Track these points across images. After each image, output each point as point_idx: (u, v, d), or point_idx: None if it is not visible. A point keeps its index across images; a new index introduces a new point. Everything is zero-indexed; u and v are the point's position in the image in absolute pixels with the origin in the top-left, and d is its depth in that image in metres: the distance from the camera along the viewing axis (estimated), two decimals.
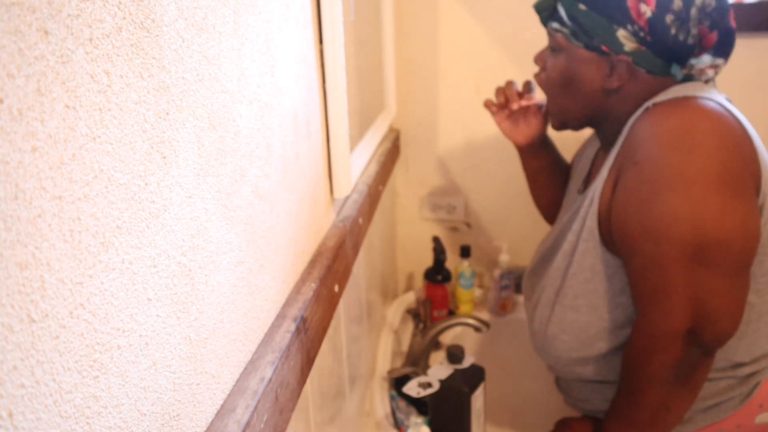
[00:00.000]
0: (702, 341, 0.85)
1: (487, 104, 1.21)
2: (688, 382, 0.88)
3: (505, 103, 1.18)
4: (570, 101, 1.00)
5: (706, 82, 0.94)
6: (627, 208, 0.87)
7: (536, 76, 1.06)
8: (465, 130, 1.56)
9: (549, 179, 1.23)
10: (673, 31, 0.90)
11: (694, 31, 0.91)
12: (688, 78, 0.94)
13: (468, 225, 1.65)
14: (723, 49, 0.93)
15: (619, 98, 0.96)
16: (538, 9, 0.99)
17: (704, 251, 0.81)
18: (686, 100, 0.87)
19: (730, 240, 0.80)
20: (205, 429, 0.46)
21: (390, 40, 1.39)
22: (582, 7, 0.93)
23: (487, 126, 1.55)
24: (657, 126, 0.86)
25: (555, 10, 0.97)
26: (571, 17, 0.94)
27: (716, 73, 0.94)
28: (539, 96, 1.17)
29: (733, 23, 0.93)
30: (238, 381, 0.52)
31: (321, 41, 0.79)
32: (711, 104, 0.86)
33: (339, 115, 0.82)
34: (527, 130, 1.19)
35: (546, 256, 1.08)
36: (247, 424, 0.47)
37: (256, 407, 0.49)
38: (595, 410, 1.05)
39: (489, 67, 1.50)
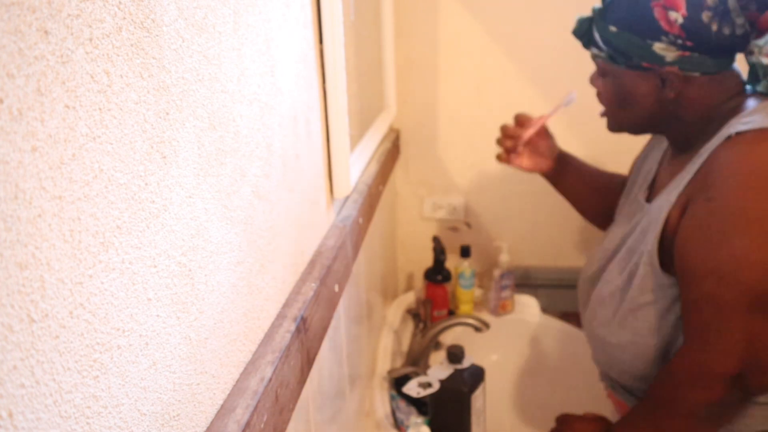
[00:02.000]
0: (747, 387, 0.83)
1: (501, 159, 1.23)
2: (717, 420, 0.87)
3: (513, 146, 1.20)
4: (631, 116, 0.98)
5: None
6: (693, 243, 0.83)
7: (598, 96, 1.04)
8: (465, 130, 1.56)
9: (589, 191, 1.22)
10: (714, 27, 0.86)
11: (739, 20, 0.86)
12: (756, 69, 0.88)
13: (468, 225, 1.65)
14: None
15: (682, 105, 0.92)
16: (577, 35, 0.99)
17: (765, 300, 0.78)
18: None
19: None
20: (205, 429, 0.46)
21: (390, 40, 1.39)
22: (612, 29, 0.92)
23: (487, 126, 1.55)
24: (737, 163, 0.81)
25: (592, 35, 0.96)
26: (605, 41, 0.93)
27: None
28: (535, 121, 1.19)
29: None
30: (238, 381, 0.52)
31: (321, 41, 0.79)
32: None
33: (339, 115, 0.82)
34: (544, 154, 1.20)
35: (603, 266, 1.05)
36: (247, 424, 0.47)
37: (256, 407, 0.49)
38: None
39: (489, 67, 1.50)
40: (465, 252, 1.52)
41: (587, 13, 1.43)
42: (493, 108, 1.53)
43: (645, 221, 0.94)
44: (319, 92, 0.79)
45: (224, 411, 0.48)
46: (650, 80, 0.92)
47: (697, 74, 0.90)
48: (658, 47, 0.89)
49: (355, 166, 0.97)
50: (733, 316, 0.80)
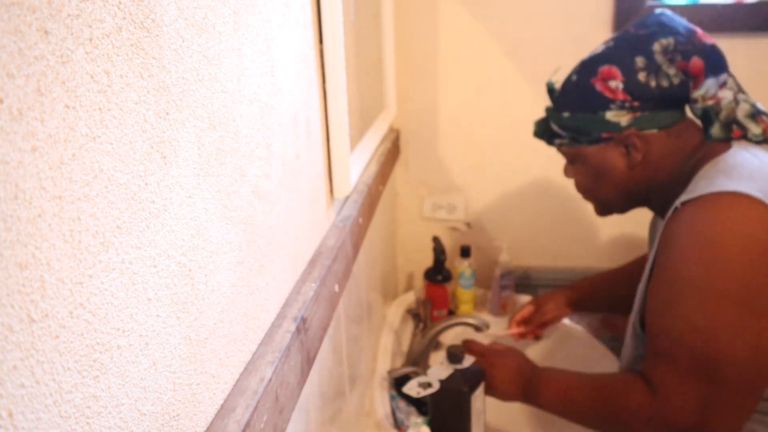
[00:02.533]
0: None
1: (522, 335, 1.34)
2: None
3: (534, 329, 1.32)
4: (608, 192, 1.03)
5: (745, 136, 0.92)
6: (651, 304, 0.90)
7: (576, 186, 1.09)
8: (465, 130, 1.56)
9: (617, 298, 1.26)
10: (653, 83, 0.92)
11: (671, 71, 0.92)
12: (707, 115, 0.92)
13: (468, 225, 1.65)
14: (716, 66, 0.92)
15: (651, 165, 0.97)
16: (538, 136, 1.07)
17: (713, 365, 0.80)
18: (714, 200, 0.84)
19: (738, 359, 0.79)
20: (205, 429, 0.46)
21: (390, 40, 1.39)
22: (566, 114, 1.00)
23: (487, 126, 1.55)
24: (680, 234, 0.85)
25: (551, 131, 1.03)
26: (563, 128, 1.00)
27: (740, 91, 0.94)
28: (536, 313, 1.31)
29: (707, 39, 0.92)
30: (238, 381, 0.52)
31: (321, 41, 0.79)
32: (741, 204, 0.81)
33: (339, 115, 0.82)
34: (560, 314, 1.32)
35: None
36: (247, 424, 0.47)
37: (256, 407, 0.49)
38: None
39: (489, 67, 1.50)
40: (465, 252, 1.52)
41: (586, 11, 1.44)
42: (492, 108, 1.53)
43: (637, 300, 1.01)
44: (319, 92, 0.79)
45: (224, 411, 0.48)
46: (615, 149, 0.97)
47: (654, 131, 0.95)
48: (610, 115, 0.95)
49: (355, 166, 0.97)
50: (687, 383, 0.83)
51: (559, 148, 1.04)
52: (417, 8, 1.48)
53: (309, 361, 0.66)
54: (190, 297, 0.43)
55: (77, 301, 0.31)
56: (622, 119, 0.94)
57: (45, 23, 0.28)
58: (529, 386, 1.02)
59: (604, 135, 0.96)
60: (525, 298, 1.57)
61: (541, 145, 1.54)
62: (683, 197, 0.88)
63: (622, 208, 1.06)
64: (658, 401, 0.85)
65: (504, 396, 1.07)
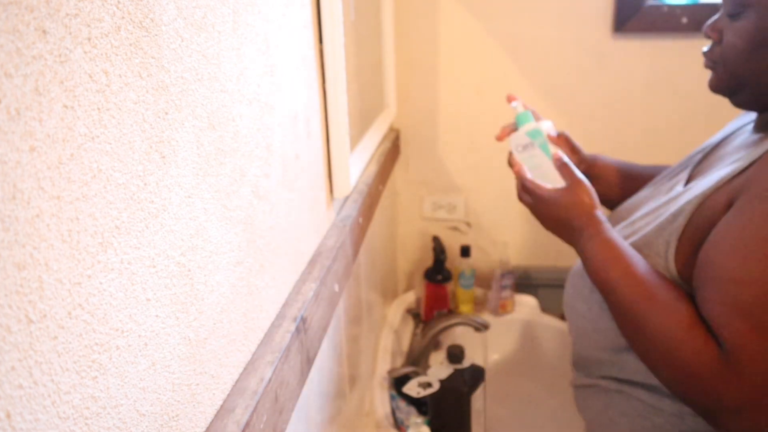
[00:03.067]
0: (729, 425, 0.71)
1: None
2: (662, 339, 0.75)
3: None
4: (759, 71, 0.79)
5: None
6: (735, 243, 0.71)
7: (707, 53, 0.86)
8: (465, 130, 1.56)
9: (621, 179, 1.09)
10: None
11: None
12: None
13: (468, 225, 1.65)
14: None
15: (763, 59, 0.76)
16: None
17: None
18: None
19: None
20: (204, 429, 0.46)
21: (390, 40, 1.39)
22: None
23: (487, 126, 1.55)
24: None
25: None
26: None
27: None
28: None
29: None
30: (237, 381, 0.52)
31: (321, 41, 0.79)
32: None
33: (339, 115, 0.82)
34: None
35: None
36: (247, 424, 0.47)
37: (255, 407, 0.49)
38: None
39: (489, 67, 1.50)
40: (465, 252, 1.52)
41: (586, 11, 1.43)
42: (493, 108, 1.53)
43: (671, 210, 0.83)
44: (319, 92, 0.79)
45: (224, 411, 0.48)
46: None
47: None
48: None
49: (355, 165, 0.96)
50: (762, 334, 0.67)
51: None
52: (417, 8, 1.48)
53: (309, 361, 0.66)
54: (189, 297, 0.43)
55: (76, 302, 0.30)
56: None
57: (43, 22, 0.28)
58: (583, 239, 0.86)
59: None
60: (525, 298, 1.57)
61: None
62: None
63: (751, 95, 0.82)
64: (727, 363, 0.69)
65: (555, 231, 0.92)
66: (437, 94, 1.54)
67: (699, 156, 0.92)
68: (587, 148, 1.51)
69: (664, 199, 0.87)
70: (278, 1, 0.62)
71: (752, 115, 0.89)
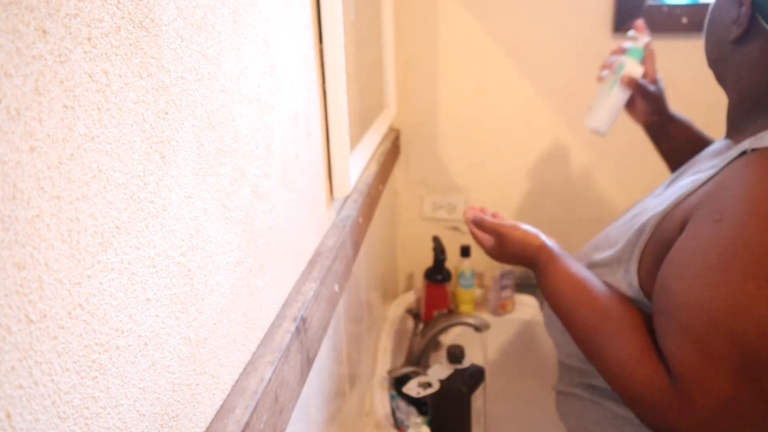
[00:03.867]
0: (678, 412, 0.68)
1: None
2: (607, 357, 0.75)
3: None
4: (707, 48, 0.83)
5: None
6: (688, 269, 0.69)
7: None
8: (465, 129, 1.56)
9: (685, 144, 1.07)
10: None
11: None
12: None
13: None
14: None
15: (743, 57, 0.76)
16: None
17: (757, 357, 0.63)
18: None
19: None
20: (204, 429, 0.46)
21: (390, 40, 1.39)
22: None
23: (488, 125, 1.55)
24: (752, 187, 0.67)
25: None
26: None
27: None
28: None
29: None
30: (237, 381, 0.52)
31: (321, 41, 0.79)
32: None
33: (339, 115, 0.82)
34: (639, 108, 1.08)
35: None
36: (247, 424, 0.47)
37: (255, 407, 0.49)
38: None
39: (489, 67, 1.50)
40: (465, 252, 1.52)
41: (586, 11, 1.43)
42: (493, 108, 1.53)
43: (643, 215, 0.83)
44: (319, 92, 0.79)
45: (224, 411, 0.48)
46: (731, 9, 0.77)
47: (765, 23, 0.72)
48: None
49: (355, 165, 0.96)
50: (719, 372, 0.64)
51: None
52: (417, 8, 1.48)
53: (309, 361, 0.66)
54: (189, 297, 0.43)
55: (76, 302, 0.30)
56: None
57: (43, 22, 0.28)
58: (537, 260, 0.88)
59: None
60: (525, 298, 1.57)
61: (541, 144, 1.55)
62: (756, 143, 0.70)
63: (715, 71, 0.84)
64: (677, 393, 0.67)
65: (509, 260, 0.93)
66: (437, 94, 1.54)
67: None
68: (588, 147, 1.51)
69: (637, 209, 0.88)
70: (278, 1, 0.62)
71: None
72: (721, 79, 0.83)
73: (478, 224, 0.95)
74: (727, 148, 0.80)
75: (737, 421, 0.65)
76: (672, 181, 0.92)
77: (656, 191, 0.96)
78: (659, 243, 0.76)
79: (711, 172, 0.75)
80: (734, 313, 0.64)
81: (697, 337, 0.66)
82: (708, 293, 0.66)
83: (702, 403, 0.65)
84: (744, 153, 0.71)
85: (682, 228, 0.73)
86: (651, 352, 0.72)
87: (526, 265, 0.91)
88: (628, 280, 0.80)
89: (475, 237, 0.97)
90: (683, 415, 0.67)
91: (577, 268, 0.85)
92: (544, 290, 0.87)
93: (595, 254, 0.90)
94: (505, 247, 0.92)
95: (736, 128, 0.81)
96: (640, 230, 0.80)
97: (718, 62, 0.82)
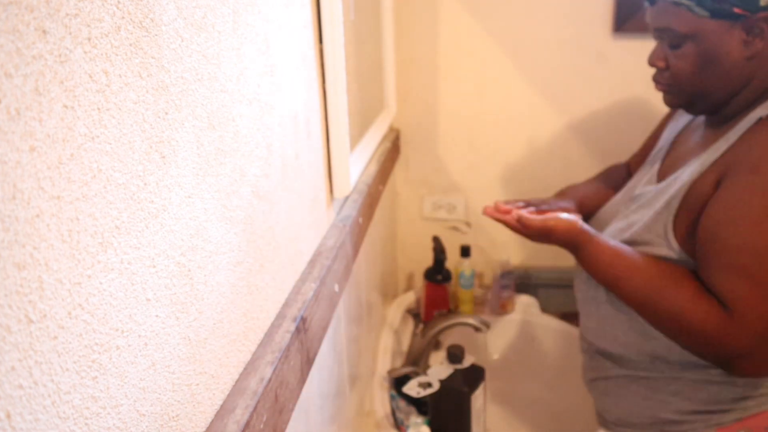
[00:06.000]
0: (734, 368, 0.83)
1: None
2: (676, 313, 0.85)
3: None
4: (708, 84, 0.89)
5: None
6: (731, 213, 0.81)
7: (656, 78, 0.96)
8: (465, 130, 1.56)
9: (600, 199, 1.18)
10: None
11: None
12: None
13: (468, 225, 1.65)
14: None
15: (759, 64, 0.86)
16: None
17: None
18: None
19: None
20: (204, 429, 0.46)
21: (390, 40, 1.39)
22: None
23: (487, 125, 1.55)
24: None
25: None
26: None
27: None
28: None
29: None
30: (237, 381, 0.52)
31: (321, 41, 0.79)
32: None
33: (339, 115, 0.82)
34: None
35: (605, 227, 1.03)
36: (247, 424, 0.47)
37: (255, 407, 0.49)
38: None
39: (489, 67, 1.50)
40: (465, 252, 1.52)
41: (586, 11, 1.43)
42: (493, 108, 1.53)
43: (662, 197, 0.92)
44: (319, 92, 0.79)
45: (224, 411, 0.48)
46: (735, 33, 0.84)
47: None
48: None
49: (355, 165, 0.96)
50: (766, 296, 0.78)
51: (667, 27, 0.89)
52: (417, 8, 1.48)
53: (309, 361, 0.66)
54: (189, 297, 0.43)
55: (76, 302, 0.30)
56: None
57: (43, 22, 0.28)
58: (581, 245, 0.95)
59: (737, 10, 0.82)
60: (525, 298, 1.57)
61: (541, 144, 1.55)
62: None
63: (708, 103, 0.93)
64: (731, 317, 0.80)
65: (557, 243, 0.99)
66: (437, 94, 1.54)
67: (662, 153, 1.04)
68: (588, 147, 1.51)
69: (653, 192, 0.97)
70: (278, 1, 0.62)
71: (687, 115, 1.04)
72: (715, 98, 0.91)
73: (525, 224, 0.99)
74: (726, 128, 0.90)
75: None
76: (656, 161, 1.03)
77: (618, 196, 1.06)
78: (692, 208, 0.87)
79: (732, 139, 0.86)
80: None
81: (746, 270, 0.79)
82: (753, 232, 0.79)
83: (755, 326, 0.79)
84: (759, 120, 0.83)
85: (716, 185, 0.84)
86: (703, 293, 0.84)
87: (570, 248, 0.97)
88: (668, 245, 0.90)
89: (518, 232, 1.01)
90: (740, 339, 0.80)
91: (615, 242, 0.94)
92: (589, 268, 0.95)
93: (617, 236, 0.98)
94: (552, 237, 0.97)
95: (725, 114, 0.92)
96: (669, 201, 0.90)
97: (735, 87, 0.89)
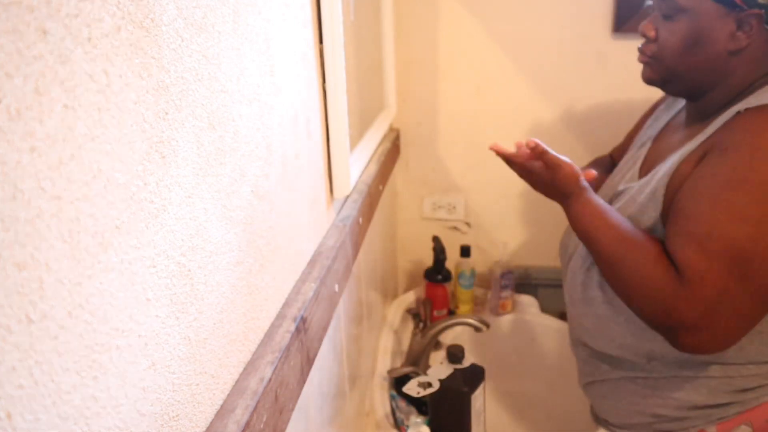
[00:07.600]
0: (677, 338, 0.84)
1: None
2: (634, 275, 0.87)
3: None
4: (688, 66, 0.92)
5: None
6: (697, 183, 0.85)
7: (642, 48, 0.97)
8: (465, 129, 1.56)
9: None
10: None
11: None
12: None
13: (468, 225, 1.65)
14: None
15: (740, 62, 0.89)
16: None
17: (747, 262, 0.79)
18: None
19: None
20: (204, 429, 0.46)
21: (390, 40, 1.39)
22: None
23: (487, 126, 1.55)
24: (751, 135, 0.82)
25: None
26: None
27: None
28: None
29: None
30: (237, 381, 0.52)
31: (321, 41, 0.79)
32: None
33: (339, 115, 0.82)
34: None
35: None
36: (247, 424, 0.47)
37: (255, 407, 0.49)
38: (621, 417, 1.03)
39: (489, 67, 1.50)
40: (465, 252, 1.52)
41: (586, 11, 1.43)
42: (493, 108, 1.53)
43: (648, 184, 0.94)
44: (319, 92, 0.79)
45: (224, 411, 0.48)
46: (727, 24, 0.86)
47: None
48: None
49: (355, 165, 0.96)
50: (713, 267, 0.79)
51: None
52: (417, 8, 1.48)
53: (309, 361, 0.66)
54: (189, 297, 0.43)
55: (76, 302, 0.30)
56: None
57: (43, 23, 0.28)
58: (569, 199, 0.97)
59: (737, 0, 0.84)
60: (525, 298, 1.57)
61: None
62: (751, 102, 0.85)
63: (681, 88, 0.96)
64: (681, 283, 0.82)
65: (546, 194, 1.02)
66: (437, 94, 1.54)
67: (644, 151, 1.06)
68: (588, 147, 1.51)
69: (635, 188, 0.99)
70: (278, 1, 0.62)
71: (671, 112, 1.07)
72: (698, 90, 0.94)
73: (539, 152, 0.98)
74: (706, 123, 0.93)
75: (729, 313, 0.80)
76: (638, 158, 1.06)
77: (624, 175, 1.07)
78: (675, 190, 0.89)
79: (708, 134, 0.89)
80: (729, 221, 0.80)
81: (698, 239, 0.82)
82: (709, 203, 0.82)
83: (701, 293, 0.80)
84: (737, 113, 0.85)
85: (694, 167, 0.87)
86: (664, 258, 0.86)
87: (563, 195, 0.98)
88: (659, 235, 0.91)
89: (524, 161, 1.00)
90: (689, 307, 0.81)
91: (605, 203, 0.96)
92: (574, 219, 0.96)
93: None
94: (556, 178, 0.98)
95: (703, 111, 0.96)
96: (654, 189, 0.92)
97: (709, 77, 0.92)
